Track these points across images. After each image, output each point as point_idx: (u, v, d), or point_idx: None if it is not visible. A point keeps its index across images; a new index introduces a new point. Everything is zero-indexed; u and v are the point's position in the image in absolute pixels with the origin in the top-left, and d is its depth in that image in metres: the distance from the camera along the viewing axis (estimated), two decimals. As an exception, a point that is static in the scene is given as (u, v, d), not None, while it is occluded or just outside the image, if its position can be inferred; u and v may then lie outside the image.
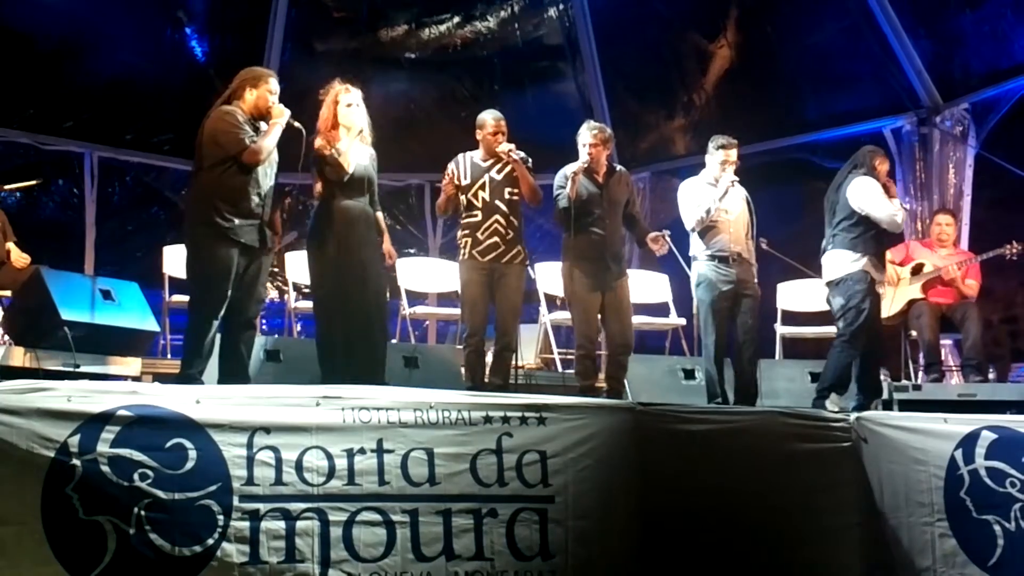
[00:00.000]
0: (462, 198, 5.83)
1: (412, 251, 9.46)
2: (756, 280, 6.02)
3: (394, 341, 6.53)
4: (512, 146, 5.74)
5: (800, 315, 7.63)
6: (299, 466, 4.23)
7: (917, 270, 6.83)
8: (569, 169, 5.85)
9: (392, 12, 9.89)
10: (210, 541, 4.06)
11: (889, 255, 6.51)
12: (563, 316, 6.86)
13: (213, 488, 4.11)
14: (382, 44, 9.94)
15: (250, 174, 4.99)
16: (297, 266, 7.27)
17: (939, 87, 8.54)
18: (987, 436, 5.12)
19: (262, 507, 4.16)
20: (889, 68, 8.65)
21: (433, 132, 9.65)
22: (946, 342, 7.36)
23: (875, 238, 5.93)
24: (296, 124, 5.11)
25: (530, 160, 5.80)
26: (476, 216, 5.77)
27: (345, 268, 5.17)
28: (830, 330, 7.16)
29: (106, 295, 5.64)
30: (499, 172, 5.81)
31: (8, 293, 6.26)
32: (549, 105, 9.80)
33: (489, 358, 5.84)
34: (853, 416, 5.09)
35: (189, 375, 4.87)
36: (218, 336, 5.02)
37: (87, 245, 8.90)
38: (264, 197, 5.05)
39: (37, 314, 5.43)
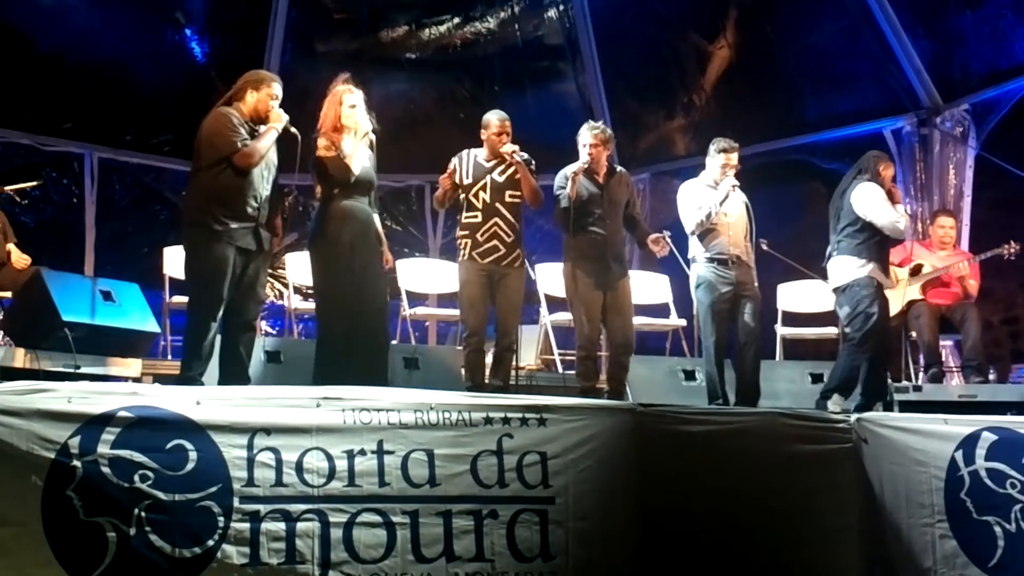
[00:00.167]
0: (462, 198, 5.83)
1: (413, 252, 9.45)
2: (756, 282, 6.02)
3: (395, 342, 6.52)
4: (516, 147, 5.73)
5: (800, 316, 7.62)
6: (299, 467, 4.23)
7: (916, 271, 6.83)
8: (569, 169, 5.84)
9: (392, 13, 9.88)
10: (210, 542, 4.07)
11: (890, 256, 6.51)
12: (564, 317, 6.85)
13: (213, 489, 4.11)
14: (382, 45, 9.92)
15: (245, 176, 4.97)
16: (298, 267, 7.28)
17: (939, 88, 8.53)
18: (987, 437, 5.12)
19: (262, 508, 4.16)
20: (889, 69, 8.64)
21: (433, 133, 9.64)
22: (946, 343, 7.35)
23: (880, 244, 5.94)
24: (292, 130, 5.09)
25: (533, 162, 5.80)
26: (476, 217, 5.77)
27: (347, 269, 5.16)
28: (831, 331, 7.19)
29: (106, 296, 5.63)
30: (501, 174, 5.80)
31: (8, 294, 6.25)
32: (549, 105, 9.77)
33: (489, 359, 5.84)
34: (853, 417, 5.09)
35: (189, 376, 4.87)
36: (218, 338, 5.02)
37: (87, 246, 8.88)
38: (260, 200, 5.03)
39: (37, 315, 5.42)
